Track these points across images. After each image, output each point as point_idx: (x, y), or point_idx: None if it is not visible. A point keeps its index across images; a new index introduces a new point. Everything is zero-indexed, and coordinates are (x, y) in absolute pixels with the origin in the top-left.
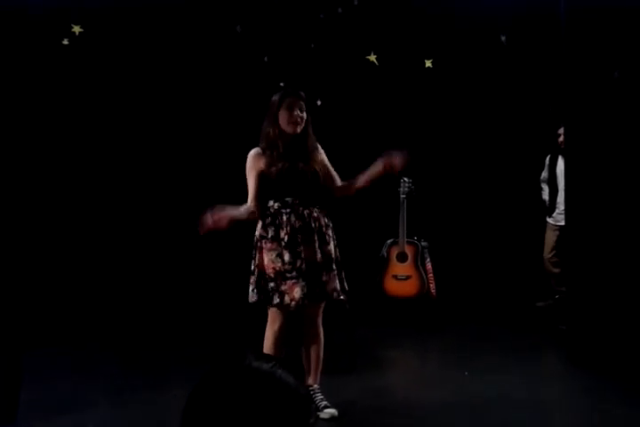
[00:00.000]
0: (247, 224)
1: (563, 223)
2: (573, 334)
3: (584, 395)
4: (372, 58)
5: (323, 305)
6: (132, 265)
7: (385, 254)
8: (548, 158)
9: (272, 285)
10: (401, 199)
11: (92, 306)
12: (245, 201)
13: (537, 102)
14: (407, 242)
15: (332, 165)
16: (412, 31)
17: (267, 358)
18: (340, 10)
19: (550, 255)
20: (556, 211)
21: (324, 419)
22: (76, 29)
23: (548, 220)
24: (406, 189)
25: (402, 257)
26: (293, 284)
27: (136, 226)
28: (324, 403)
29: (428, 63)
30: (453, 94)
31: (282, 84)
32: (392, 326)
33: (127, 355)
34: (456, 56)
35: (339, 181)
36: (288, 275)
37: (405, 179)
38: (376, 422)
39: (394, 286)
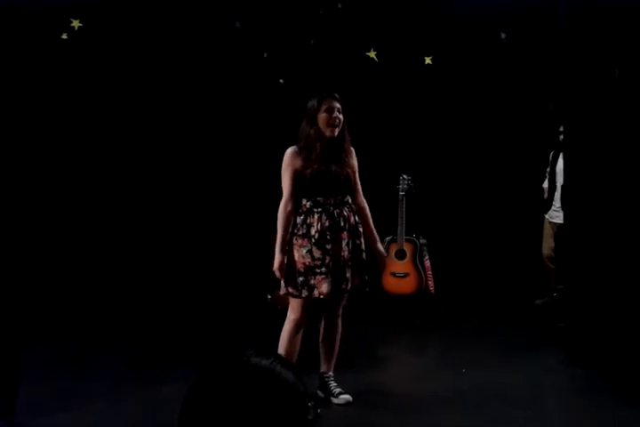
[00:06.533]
0: (245, 225)
1: (557, 221)
2: (571, 331)
3: (581, 392)
4: (372, 54)
5: (345, 297)
6: (131, 261)
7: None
8: (551, 155)
9: (301, 279)
10: (400, 196)
11: (92, 301)
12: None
13: (536, 100)
14: (406, 239)
15: None
16: (411, 28)
17: (266, 354)
18: (339, 5)
19: (548, 253)
20: (552, 208)
21: (339, 404)
22: (75, 24)
23: (546, 217)
24: (405, 186)
25: (400, 254)
26: (322, 279)
27: (136, 222)
28: (339, 390)
29: (428, 60)
30: (453, 91)
31: (281, 81)
32: (390, 323)
33: (126, 350)
34: (456, 53)
35: (358, 197)
36: (317, 270)
37: (404, 176)
38: (372, 418)
39: (392, 284)
